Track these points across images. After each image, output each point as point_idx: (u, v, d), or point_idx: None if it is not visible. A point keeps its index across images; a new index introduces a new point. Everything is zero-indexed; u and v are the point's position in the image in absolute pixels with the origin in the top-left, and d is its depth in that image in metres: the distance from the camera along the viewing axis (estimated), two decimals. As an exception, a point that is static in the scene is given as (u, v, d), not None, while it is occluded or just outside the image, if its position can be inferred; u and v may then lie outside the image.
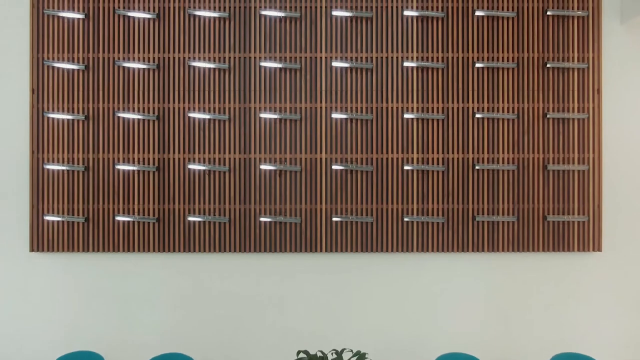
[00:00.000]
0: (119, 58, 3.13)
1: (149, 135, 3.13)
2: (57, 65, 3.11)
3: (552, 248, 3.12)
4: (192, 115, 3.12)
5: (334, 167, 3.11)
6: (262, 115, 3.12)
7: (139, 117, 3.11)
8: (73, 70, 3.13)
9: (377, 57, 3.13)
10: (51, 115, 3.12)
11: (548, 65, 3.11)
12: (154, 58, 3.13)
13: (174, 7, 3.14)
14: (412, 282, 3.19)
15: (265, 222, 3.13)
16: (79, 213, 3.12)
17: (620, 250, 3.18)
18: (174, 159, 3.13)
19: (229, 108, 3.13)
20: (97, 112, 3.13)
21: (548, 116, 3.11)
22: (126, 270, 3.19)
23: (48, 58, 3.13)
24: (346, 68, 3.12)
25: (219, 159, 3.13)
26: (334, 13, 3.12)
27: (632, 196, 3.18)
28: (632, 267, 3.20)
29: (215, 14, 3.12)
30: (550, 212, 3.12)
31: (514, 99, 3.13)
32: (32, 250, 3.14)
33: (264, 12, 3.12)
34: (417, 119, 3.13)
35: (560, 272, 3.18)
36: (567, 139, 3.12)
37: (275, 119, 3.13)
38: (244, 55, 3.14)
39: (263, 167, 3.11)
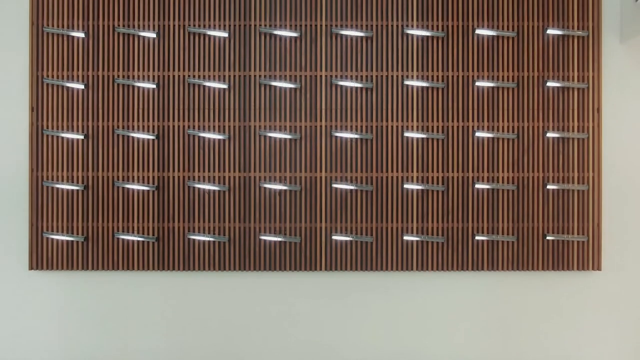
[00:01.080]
0: (118, 76, 3.12)
1: (149, 153, 3.12)
2: (56, 83, 3.10)
3: (551, 267, 3.12)
4: (191, 133, 3.11)
5: (334, 185, 3.10)
6: (262, 133, 3.11)
7: (139, 135, 3.10)
8: (72, 88, 3.12)
9: (377, 76, 3.13)
10: (50, 133, 3.11)
11: (548, 85, 3.11)
12: (153, 76, 3.13)
13: (174, 26, 3.14)
14: (411, 300, 3.19)
15: (265, 240, 3.12)
16: (78, 231, 3.12)
17: (620, 269, 3.18)
18: (173, 177, 3.12)
19: (229, 126, 3.13)
20: (96, 131, 3.12)
21: (548, 135, 3.10)
22: (126, 288, 3.18)
23: (47, 76, 3.12)
24: (346, 87, 3.12)
25: (219, 177, 3.13)
26: (334, 31, 3.11)
27: (632, 215, 3.19)
28: (632, 286, 3.21)
29: (216, 33, 3.11)
30: (549, 231, 3.12)
31: (514, 118, 3.13)
32: (31, 268, 3.13)
33: (264, 31, 3.11)
34: (417, 138, 3.12)
35: (559, 291, 3.19)
36: (567, 159, 3.12)
37: (275, 138, 3.12)
38: (244, 73, 3.13)
39: (263, 185, 3.10)
